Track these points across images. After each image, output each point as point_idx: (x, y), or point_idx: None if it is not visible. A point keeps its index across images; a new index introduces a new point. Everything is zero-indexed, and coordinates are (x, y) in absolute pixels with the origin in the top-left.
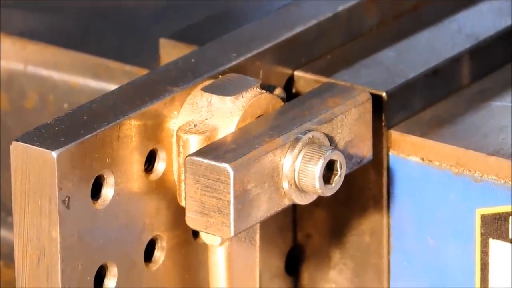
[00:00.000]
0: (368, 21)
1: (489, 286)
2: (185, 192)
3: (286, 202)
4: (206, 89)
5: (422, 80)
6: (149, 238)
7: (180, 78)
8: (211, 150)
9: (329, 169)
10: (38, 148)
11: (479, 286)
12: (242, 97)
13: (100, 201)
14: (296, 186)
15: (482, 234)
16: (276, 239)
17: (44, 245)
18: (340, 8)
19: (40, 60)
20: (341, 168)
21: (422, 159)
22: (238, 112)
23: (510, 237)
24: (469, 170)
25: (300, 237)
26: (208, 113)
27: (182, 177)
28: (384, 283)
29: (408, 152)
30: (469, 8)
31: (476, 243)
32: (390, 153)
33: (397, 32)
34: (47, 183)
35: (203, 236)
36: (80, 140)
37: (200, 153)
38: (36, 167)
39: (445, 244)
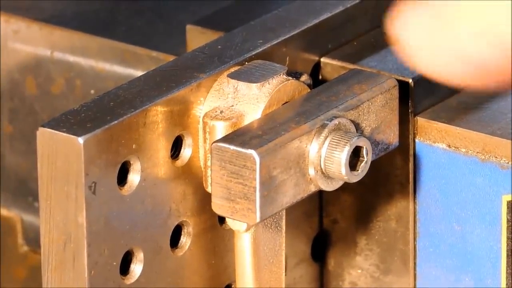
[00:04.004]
0: None
1: None
2: (211, 178)
3: (312, 188)
4: (232, 76)
5: None
6: (175, 223)
7: (207, 64)
8: (237, 137)
9: (355, 155)
10: (65, 134)
11: (505, 273)
12: (268, 83)
13: (126, 186)
14: (322, 172)
15: (508, 221)
16: (302, 224)
17: (70, 231)
18: None
19: (67, 46)
20: (367, 154)
21: (449, 146)
22: (264, 99)
23: None
24: (496, 157)
25: (326, 222)
26: (234, 100)
27: (208, 163)
28: (410, 268)
29: (435, 139)
30: None
31: (502, 230)
32: (417, 140)
33: None
34: (73, 168)
35: (229, 222)
36: (106, 126)
37: (226, 139)
38: (63, 153)
39: (471, 230)
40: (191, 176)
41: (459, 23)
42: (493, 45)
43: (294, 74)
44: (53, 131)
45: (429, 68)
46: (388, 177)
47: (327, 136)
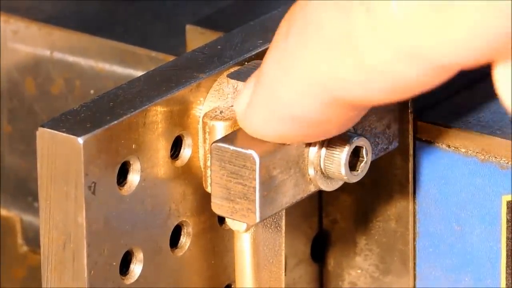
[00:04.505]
0: None
1: None
2: (210, 178)
3: (312, 188)
4: (232, 76)
5: None
6: (175, 223)
7: (206, 64)
8: (237, 137)
9: (355, 155)
10: (65, 134)
11: (505, 273)
12: None
13: (126, 187)
14: (322, 172)
15: (508, 221)
16: (301, 225)
17: (70, 231)
18: None
19: (67, 46)
20: (367, 154)
21: (448, 146)
22: None
23: None
24: (495, 157)
25: (325, 222)
26: (234, 100)
27: (208, 163)
28: (410, 269)
29: (434, 139)
30: None
31: (502, 230)
32: (416, 140)
33: None
34: (73, 169)
35: (229, 222)
36: (106, 126)
37: (226, 139)
38: (62, 153)
39: (471, 231)
40: (191, 176)
41: (282, 85)
42: (318, 101)
43: None
44: (52, 131)
45: (256, 132)
46: (388, 177)
47: None
